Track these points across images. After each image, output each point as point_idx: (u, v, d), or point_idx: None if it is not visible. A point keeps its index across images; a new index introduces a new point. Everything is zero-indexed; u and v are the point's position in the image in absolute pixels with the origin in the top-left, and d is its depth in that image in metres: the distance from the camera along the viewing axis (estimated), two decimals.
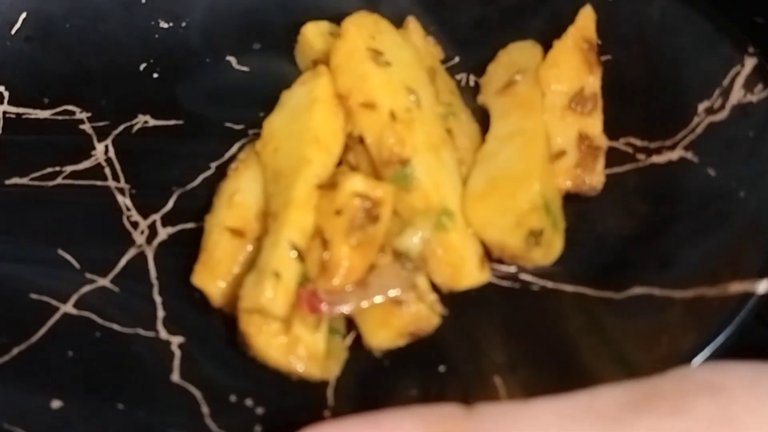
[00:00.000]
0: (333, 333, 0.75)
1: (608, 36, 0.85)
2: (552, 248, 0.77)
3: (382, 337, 0.74)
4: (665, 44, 0.82)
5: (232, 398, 0.73)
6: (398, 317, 0.73)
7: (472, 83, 0.89)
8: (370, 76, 0.79)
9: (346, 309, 0.73)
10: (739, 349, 0.65)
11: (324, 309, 0.72)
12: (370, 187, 0.74)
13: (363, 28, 0.81)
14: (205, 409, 0.72)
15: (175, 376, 0.75)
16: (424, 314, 0.74)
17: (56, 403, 0.72)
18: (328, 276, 0.72)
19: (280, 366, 0.72)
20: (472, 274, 0.76)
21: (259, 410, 0.72)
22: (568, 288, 0.76)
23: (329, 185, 0.75)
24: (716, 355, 0.67)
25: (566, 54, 0.83)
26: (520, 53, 0.86)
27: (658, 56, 0.83)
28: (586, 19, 0.84)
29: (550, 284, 0.76)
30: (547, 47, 0.85)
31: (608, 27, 0.85)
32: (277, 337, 0.72)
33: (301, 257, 0.73)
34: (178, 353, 0.76)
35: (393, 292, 0.73)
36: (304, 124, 0.79)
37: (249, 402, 0.72)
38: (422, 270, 0.75)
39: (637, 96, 0.83)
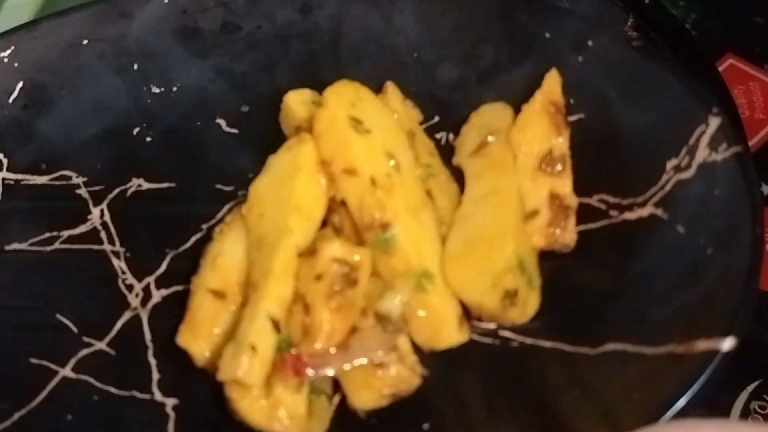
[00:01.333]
0: (317, 393, 0.77)
1: (578, 95, 0.87)
2: (527, 306, 0.79)
3: (365, 398, 0.76)
4: (634, 103, 0.85)
5: None
6: (380, 379, 0.76)
7: (452, 141, 0.91)
8: (351, 143, 0.82)
9: (329, 372, 0.75)
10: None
11: (308, 372, 0.75)
12: (348, 253, 0.77)
13: (343, 97, 0.84)
14: None
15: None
16: (404, 376, 0.76)
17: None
18: (311, 340, 0.75)
19: (262, 429, 0.74)
20: (451, 335, 0.78)
21: None
22: (546, 344, 0.78)
23: (309, 252, 0.78)
24: (688, 408, 0.69)
25: (534, 118, 0.85)
26: (491, 115, 0.89)
27: (627, 115, 0.85)
28: (551, 83, 0.87)
29: (528, 340, 0.79)
30: (521, 105, 0.87)
31: (578, 87, 0.87)
32: (258, 401, 0.74)
33: (277, 328, 0.75)
34: (172, 415, 0.78)
35: (375, 355, 0.75)
36: (287, 191, 0.81)
37: None
38: (403, 331, 0.78)
39: (608, 153, 0.85)
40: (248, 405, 0.74)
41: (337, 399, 0.78)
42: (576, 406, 0.73)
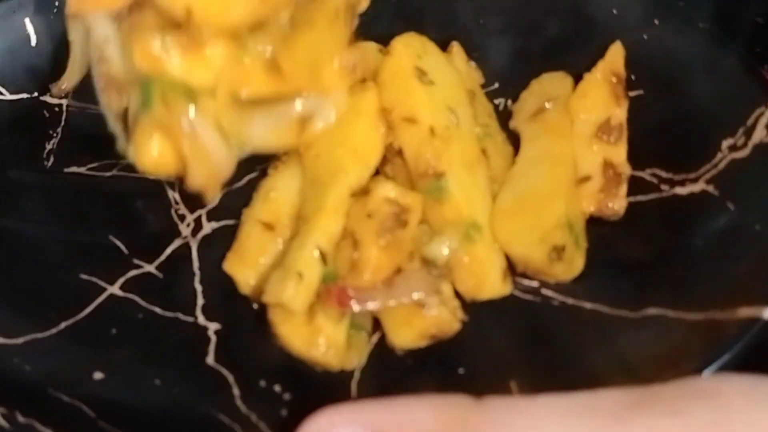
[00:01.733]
0: (357, 328, 0.78)
1: (640, 72, 0.88)
2: (573, 265, 0.80)
3: (405, 337, 0.77)
4: (694, 82, 0.85)
5: (262, 383, 0.77)
6: (421, 319, 0.77)
7: (509, 108, 0.92)
8: (414, 92, 0.83)
9: (372, 306, 0.77)
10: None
11: (352, 305, 0.76)
12: (401, 195, 0.78)
13: (410, 48, 0.85)
14: (236, 391, 0.77)
15: (210, 359, 0.79)
16: (445, 318, 0.77)
17: (98, 375, 0.78)
18: (357, 273, 0.76)
19: (301, 354, 0.76)
20: (494, 286, 0.79)
21: (286, 396, 0.76)
22: (587, 305, 0.79)
23: (362, 191, 0.80)
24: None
25: (595, 86, 0.87)
26: (551, 83, 0.90)
27: (687, 94, 0.86)
28: (615, 54, 0.88)
29: (570, 300, 0.80)
30: (580, 79, 0.89)
31: (641, 63, 0.88)
32: (300, 327, 0.76)
33: (325, 261, 0.77)
34: (213, 338, 0.80)
35: (418, 295, 0.77)
36: (346, 134, 0.82)
37: (277, 388, 0.77)
38: (447, 277, 0.79)
39: (664, 130, 0.86)
40: (289, 330, 0.76)
41: (375, 338, 0.79)
42: (612, 366, 0.74)
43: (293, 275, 0.75)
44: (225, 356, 0.79)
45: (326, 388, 0.76)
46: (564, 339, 0.78)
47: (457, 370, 0.76)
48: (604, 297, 0.79)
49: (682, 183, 0.83)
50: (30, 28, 0.95)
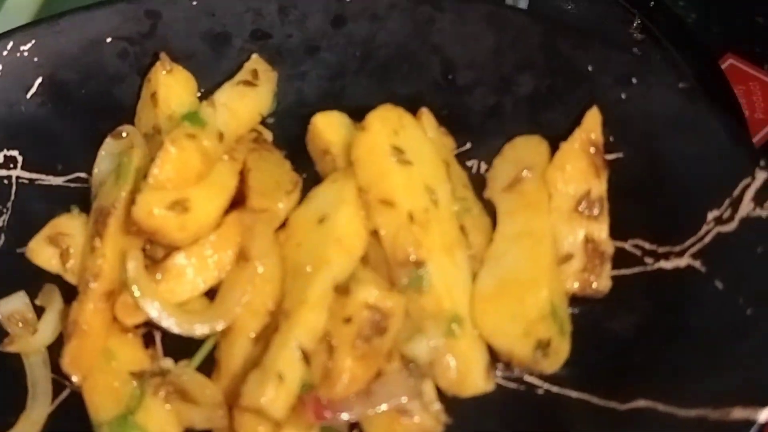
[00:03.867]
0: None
1: (619, 134, 0.84)
2: (558, 355, 0.77)
3: None
4: (677, 147, 0.82)
5: None
6: (402, 427, 0.74)
7: (483, 170, 0.88)
8: (391, 174, 0.79)
9: (351, 417, 0.73)
10: None
11: (328, 416, 0.72)
12: (382, 299, 0.74)
13: (387, 123, 0.81)
14: None
15: None
16: (428, 424, 0.74)
17: None
18: (330, 384, 0.72)
19: None
20: (477, 384, 0.76)
21: None
22: (573, 394, 0.76)
23: (343, 289, 0.75)
24: None
25: (573, 157, 0.83)
26: (526, 149, 0.86)
27: (669, 159, 0.82)
28: (592, 122, 0.84)
29: (555, 388, 0.77)
30: (557, 140, 0.85)
31: (619, 125, 0.84)
32: None
33: (307, 360, 0.73)
34: None
35: (398, 401, 0.73)
36: (329, 223, 0.79)
37: None
38: (428, 376, 0.75)
39: (646, 197, 0.82)
40: None
41: None
42: None
43: (273, 377, 0.71)
44: None
45: None
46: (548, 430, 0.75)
47: None
48: (590, 385, 0.76)
49: (666, 256, 0.80)
50: None
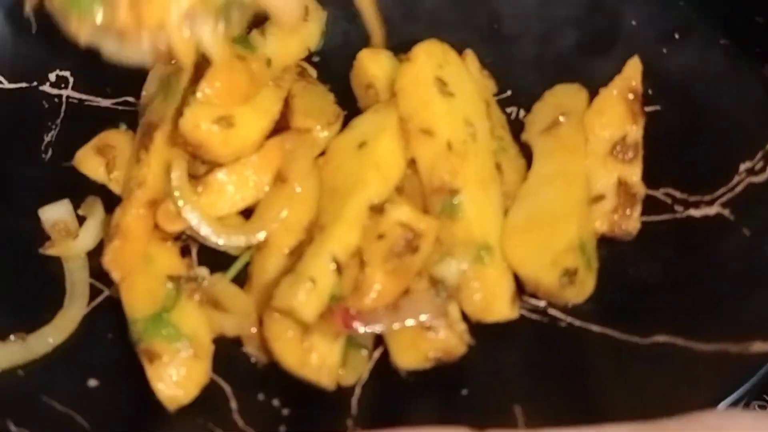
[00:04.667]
0: (356, 346, 0.76)
1: (658, 87, 0.86)
2: (584, 287, 0.78)
3: (409, 359, 0.76)
4: (713, 101, 0.84)
5: (260, 397, 0.76)
6: (427, 342, 0.75)
7: (522, 117, 0.90)
8: (433, 104, 0.81)
9: (378, 329, 0.75)
10: None
11: (356, 327, 0.74)
12: (415, 219, 0.76)
13: (431, 56, 0.82)
14: (233, 404, 0.75)
15: None
16: (452, 342, 0.75)
17: (93, 382, 0.77)
18: (360, 296, 0.74)
19: (293, 371, 0.75)
20: (502, 310, 0.77)
21: (285, 411, 0.75)
22: (595, 328, 0.77)
23: (377, 209, 0.77)
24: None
25: (611, 102, 0.84)
26: (565, 95, 0.87)
27: (705, 112, 0.84)
28: (632, 70, 0.85)
29: (577, 322, 0.78)
30: (596, 90, 0.86)
31: (659, 78, 0.86)
32: (293, 344, 0.75)
33: (340, 271, 0.75)
34: (212, 347, 0.78)
35: (424, 317, 0.75)
36: (369, 148, 0.81)
37: (276, 402, 0.75)
38: (455, 298, 0.77)
39: (680, 148, 0.84)
40: (282, 346, 0.75)
41: (378, 353, 0.77)
42: (617, 393, 0.73)
43: (305, 280, 0.74)
44: (223, 366, 0.77)
45: (326, 404, 0.75)
46: (571, 364, 0.76)
47: (461, 392, 0.75)
48: (613, 320, 0.77)
49: (696, 205, 0.81)
50: (31, 16, 0.93)
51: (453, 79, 0.83)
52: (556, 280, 0.77)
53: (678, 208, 0.82)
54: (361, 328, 0.74)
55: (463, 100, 0.82)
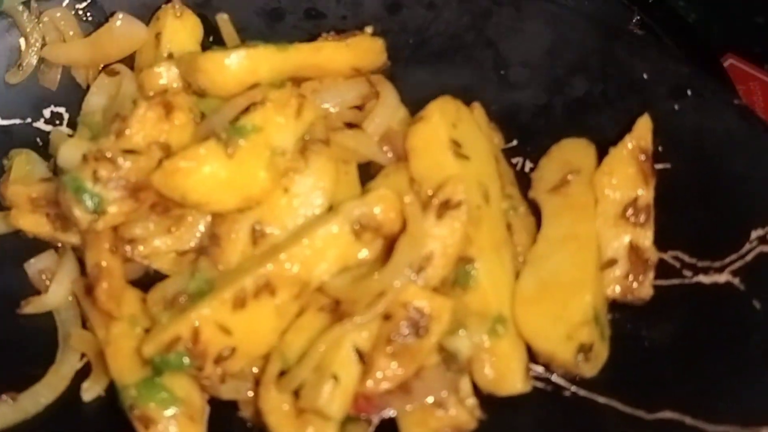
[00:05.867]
0: (355, 420, 0.74)
1: (668, 145, 0.84)
2: (598, 360, 0.76)
3: None
4: (726, 163, 0.81)
5: None
6: (437, 419, 0.73)
7: (527, 169, 0.87)
8: (448, 169, 0.78)
9: (389, 413, 0.73)
10: None
11: (371, 412, 0.72)
12: (425, 299, 0.73)
13: (446, 115, 0.80)
14: None
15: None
16: (463, 418, 0.73)
17: None
18: (365, 381, 0.72)
19: None
20: (515, 384, 0.75)
21: None
22: (600, 399, 0.75)
23: None
24: None
25: (622, 162, 0.82)
26: (573, 151, 0.85)
27: (717, 173, 0.82)
28: (643, 129, 0.83)
29: (582, 392, 0.76)
30: (604, 145, 0.84)
31: (670, 135, 0.84)
32: (288, 418, 0.73)
33: (362, 360, 0.72)
34: (207, 409, 0.76)
35: (435, 396, 0.73)
36: None
37: None
38: (466, 372, 0.75)
39: (690, 210, 0.82)
40: (277, 420, 0.73)
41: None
42: None
43: (329, 378, 0.71)
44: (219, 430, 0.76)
45: None
46: None
47: None
48: (618, 392, 0.75)
49: (705, 271, 0.79)
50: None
51: (467, 140, 0.80)
52: (572, 356, 0.75)
53: (687, 273, 0.80)
54: (375, 414, 0.73)
55: (477, 163, 0.80)
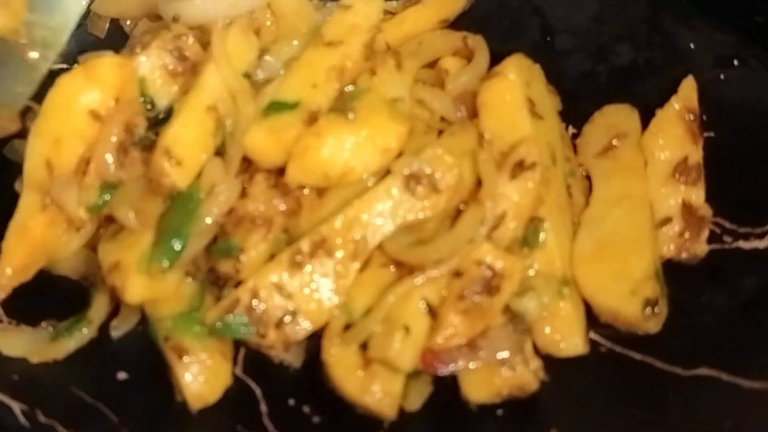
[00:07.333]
0: (417, 374, 0.73)
1: (713, 114, 0.84)
2: (662, 315, 0.75)
3: (482, 394, 0.73)
4: None
5: (291, 402, 0.74)
6: (501, 378, 0.72)
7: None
8: (522, 126, 0.77)
9: (456, 369, 0.72)
10: None
11: (438, 367, 0.71)
12: (497, 258, 0.72)
13: (522, 72, 0.78)
14: (263, 408, 0.74)
15: (238, 369, 0.76)
16: (526, 379, 0.73)
17: (122, 375, 0.76)
18: (434, 336, 0.71)
19: (354, 400, 0.72)
20: (578, 346, 0.75)
21: (316, 419, 0.73)
22: (636, 356, 0.75)
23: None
24: None
25: (670, 123, 0.82)
26: (617, 117, 0.84)
27: (761, 143, 0.82)
28: (688, 90, 0.83)
29: (618, 348, 0.76)
30: (648, 111, 0.84)
31: (715, 104, 0.84)
32: (355, 371, 0.72)
33: (432, 314, 0.71)
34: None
35: (502, 355, 0.72)
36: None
37: (306, 409, 0.73)
38: (531, 333, 0.74)
39: (732, 178, 0.82)
40: (343, 373, 0.72)
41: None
42: (656, 426, 0.72)
43: (399, 329, 0.70)
44: (254, 367, 0.75)
45: (358, 415, 0.73)
46: (608, 391, 0.75)
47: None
48: (655, 349, 0.75)
49: (746, 236, 0.79)
50: None
51: (539, 99, 0.79)
52: (639, 312, 0.74)
53: (727, 238, 0.81)
54: (442, 369, 0.72)
55: (548, 122, 0.79)
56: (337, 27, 0.81)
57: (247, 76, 0.79)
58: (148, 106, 0.80)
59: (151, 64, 0.80)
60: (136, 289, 0.72)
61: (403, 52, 0.81)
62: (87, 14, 0.92)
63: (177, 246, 0.72)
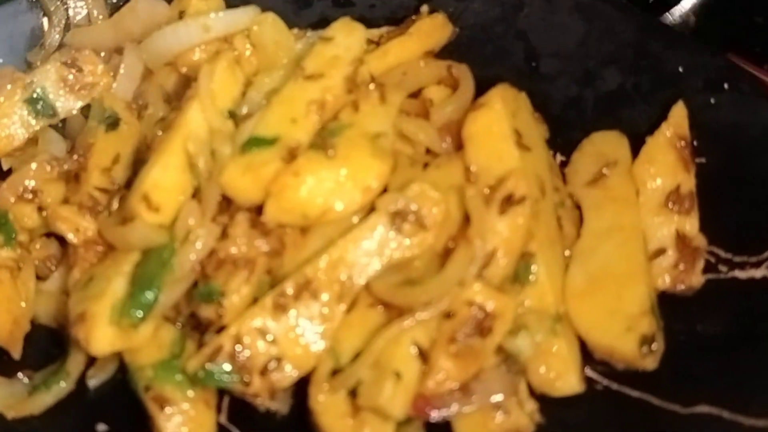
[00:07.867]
0: (407, 422, 0.70)
1: (704, 139, 0.82)
2: (659, 351, 0.73)
3: None
4: (763, 159, 0.80)
5: None
6: (496, 423, 0.70)
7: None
8: (508, 158, 0.75)
9: (449, 414, 0.69)
10: None
11: (431, 413, 0.69)
12: (487, 298, 0.70)
13: (507, 103, 0.76)
14: None
15: (222, 417, 0.74)
16: (522, 422, 0.70)
17: (102, 427, 0.73)
18: (425, 380, 0.69)
19: None
20: (573, 384, 0.72)
21: None
22: (633, 393, 0.73)
23: None
24: None
25: (661, 150, 0.80)
26: (605, 144, 0.82)
27: (753, 169, 0.80)
28: (679, 116, 0.81)
29: (614, 386, 0.74)
30: (636, 137, 0.82)
31: (705, 130, 0.82)
32: (344, 418, 0.69)
33: (423, 358, 0.69)
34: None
35: (496, 398, 0.70)
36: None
37: None
38: (525, 373, 0.72)
39: (726, 205, 0.80)
40: (332, 421, 0.69)
41: None
42: None
43: (390, 375, 0.67)
44: (240, 415, 0.74)
45: None
46: (604, 430, 0.73)
47: None
48: (652, 386, 0.72)
49: (742, 266, 0.77)
50: None
51: (525, 130, 0.77)
52: (636, 349, 0.72)
53: (722, 268, 0.78)
54: (434, 415, 0.69)
55: (535, 154, 0.76)
56: (317, 60, 0.78)
57: (232, 114, 0.77)
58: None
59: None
60: (102, 340, 0.70)
61: (387, 83, 0.78)
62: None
63: (150, 297, 0.69)
